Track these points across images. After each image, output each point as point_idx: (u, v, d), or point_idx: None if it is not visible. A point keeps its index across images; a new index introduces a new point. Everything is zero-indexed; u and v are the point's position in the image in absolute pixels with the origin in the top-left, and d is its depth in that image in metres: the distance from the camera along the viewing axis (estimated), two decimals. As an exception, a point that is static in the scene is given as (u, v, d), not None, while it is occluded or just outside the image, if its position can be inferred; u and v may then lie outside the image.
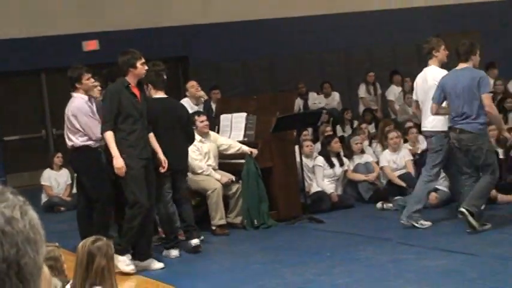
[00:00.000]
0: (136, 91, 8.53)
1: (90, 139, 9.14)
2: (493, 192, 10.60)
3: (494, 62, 16.14)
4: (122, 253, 8.41)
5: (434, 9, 18.92)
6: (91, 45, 16.73)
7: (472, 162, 9.18)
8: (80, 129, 9.14)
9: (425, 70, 9.78)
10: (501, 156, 11.45)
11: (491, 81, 15.44)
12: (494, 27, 19.28)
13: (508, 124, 13.38)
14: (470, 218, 8.83)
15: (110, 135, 8.40)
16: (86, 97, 9.31)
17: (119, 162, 8.32)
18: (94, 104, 9.33)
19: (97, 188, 9.11)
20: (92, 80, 9.38)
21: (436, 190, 10.95)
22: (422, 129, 9.93)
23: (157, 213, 9.22)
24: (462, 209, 8.90)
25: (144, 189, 8.44)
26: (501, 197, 10.73)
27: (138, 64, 8.49)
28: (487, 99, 9.05)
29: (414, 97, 10.04)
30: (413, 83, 10.34)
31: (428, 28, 18.70)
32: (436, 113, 9.29)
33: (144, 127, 8.57)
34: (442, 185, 11.07)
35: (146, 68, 8.63)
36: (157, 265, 8.69)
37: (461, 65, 9.26)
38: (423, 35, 18.63)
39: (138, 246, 8.62)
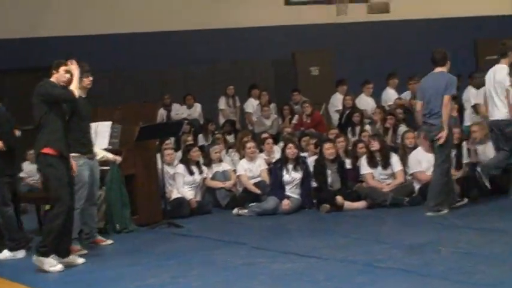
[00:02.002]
0: None
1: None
2: (340, 199, 10.87)
3: (344, 79, 16.51)
4: (46, 254, 8.25)
5: (289, 29, 19.18)
6: None
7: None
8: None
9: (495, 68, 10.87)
10: (348, 167, 11.73)
11: (341, 97, 15.83)
12: (345, 46, 19.70)
13: (355, 137, 13.70)
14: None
15: None
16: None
17: None
18: None
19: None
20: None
21: (288, 197, 11.12)
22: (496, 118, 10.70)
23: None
24: None
25: (67, 188, 8.32)
26: (348, 204, 10.97)
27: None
28: (446, 99, 10.00)
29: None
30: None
31: (284, 46, 19.02)
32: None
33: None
34: (295, 192, 11.25)
35: None
36: (79, 260, 8.57)
37: (437, 69, 10.25)
38: (279, 52, 19.03)
39: (61, 244, 8.38)
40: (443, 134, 9.99)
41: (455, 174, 11.16)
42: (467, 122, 12.99)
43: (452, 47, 20.35)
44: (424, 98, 10.27)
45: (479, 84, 12.52)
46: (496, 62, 10.89)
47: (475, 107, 13.03)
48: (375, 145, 11.40)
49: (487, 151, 11.44)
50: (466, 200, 10.62)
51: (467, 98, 13.90)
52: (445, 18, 20.76)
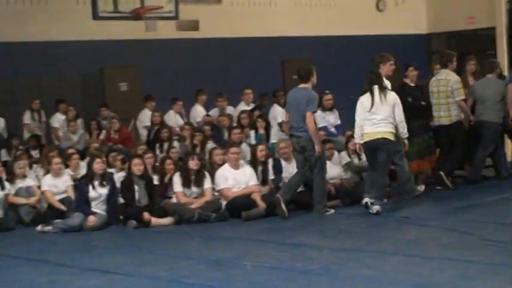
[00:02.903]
0: None
1: None
2: (147, 215, 10.84)
3: (151, 95, 16.51)
4: None
5: (97, 43, 18.96)
6: None
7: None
8: None
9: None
10: (156, 183, 11.72)
11: (149, 113, 15.81)
12: (155, 62, 19.70)
13: (163, 153, 13.69)
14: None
15: None
16: None
17: None
18: None
19: None
20: None
21: (94, 213, 10.98)
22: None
23: None
24: None
25: None
26: (155, 220, 10.95)
27: None
28: (309, 116, 10.83)
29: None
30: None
31: (92, 61, 18.77)
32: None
33: None
34: (101, 208, 11.11)
35: None
36: None
37: (301, 85, 11.13)
38: (87, 67, 18.77)
39: None
40: (317, 149, 10.89)
41: (262, 190, 11.43)
42: (273, 139, 13.31)
43: (261, 65, 21.05)
44: (289, 111, 11.12)
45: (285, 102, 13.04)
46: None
47: (281, 125, 13.39)
48: (193, 164, 11.43)
49: (292, 168, 11.77)
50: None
51: (274, 116, 14.25)
52: (253, 37, 21.20)
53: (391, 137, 10.84)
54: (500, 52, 23.41)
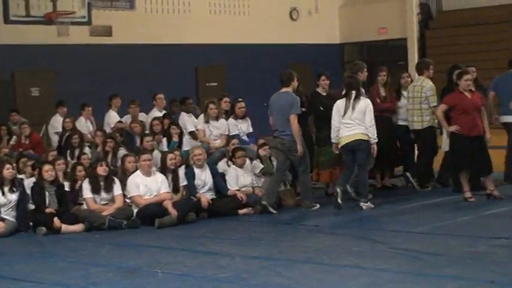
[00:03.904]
0: None
1: None
2: (57, 222, 10.72)
3: (63, 100, 16.33)
4: None
5: (9, 48, 18.66)
6: None
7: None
8: None
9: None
10: (67, 189, 11.58)
11: (60, 119, 15.62)
12: (67, 67, 19.49)
13: (74, 160, 13.53)
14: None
15: None
16: None
17: None
18: None
19: None
20: None
21: (3, 220, 10.79)
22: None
23: None
24: None
25: None
26: (65, 227, 10.83)
27: None
28: (293, 118, 11.50)
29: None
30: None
31: (3, 65, 18.49)
32: None
33: None
34: (10, 215, 10.93)
35: None
36: None
37: (283, 89, 11.76)
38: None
39: None
40: (300, 149, 11.57)
41: (173, 198, 11.41)
42: (186, 147, 13.31)
43: (175, 72, 21.05)
44: (272, 114, 11.78)
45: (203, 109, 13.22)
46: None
47: (192, 133, 13.42)
48: (101, 170, 11.34)
49: (204, 175, 11.79)
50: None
51: (183, 124, 14.22)
52: (167, 44, 21.19)
53: (366, 138, 11.53)
54: (411, 62, 23.93)
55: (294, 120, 11.58)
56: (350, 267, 8.11)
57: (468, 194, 11.75)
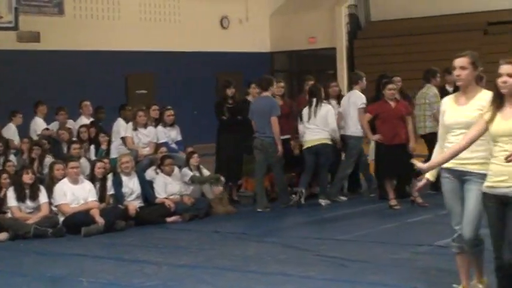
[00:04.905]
0: None
1: None
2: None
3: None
4: None
5: None
6: None
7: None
8: None
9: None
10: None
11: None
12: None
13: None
14: None
15: None
16: None
17: None
18: None
19: None
20: None
21: None
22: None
23: None
24: None
25: None
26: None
27: None
28: (274, 120, 12.29)
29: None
30: None
31: None
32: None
33: None
34: None
35: None
36: None
37: (263, 94, 12.59)
38: None
39: None
40: (280, 149, 12.33)
41: (101, 206, 11.32)
42: (113, 154, 13.21)
43: (105, 79, 20.90)
44: (253, 118, 12.48)
45: (130, 117, 13.15)
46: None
47: (124, 139, 13.33)
48: (27, 178, 11.19)
49: (132, 183, 11.74)
50: None
51: (117, 129, 14.12)
52: (96, 50, 21.04)
53: (328, 141, 12.49)
54: (340, 71, 24.21)
55: (274, 122, 12.30)
56: (276, 274, 8.17)
57: (393, 202, 11.95)
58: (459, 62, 6.46)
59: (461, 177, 6.46)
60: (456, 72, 6.49)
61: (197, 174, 12.62)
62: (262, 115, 12.39)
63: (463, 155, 6.24)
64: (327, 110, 12.47)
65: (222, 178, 12.74)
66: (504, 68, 5.77)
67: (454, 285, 6.86)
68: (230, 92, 13.29)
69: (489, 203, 5.88)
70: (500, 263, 5.83)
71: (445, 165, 6.44)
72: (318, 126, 12.43)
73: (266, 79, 12.89)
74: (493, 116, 5.82)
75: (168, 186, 12.06)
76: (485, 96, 6.36)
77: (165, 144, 13.12)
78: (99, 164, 11.77)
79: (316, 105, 12.49)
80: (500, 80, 5.78)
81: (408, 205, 12.09)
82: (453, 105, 6.55)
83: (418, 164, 6.18)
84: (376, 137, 12.08)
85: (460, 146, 6.10)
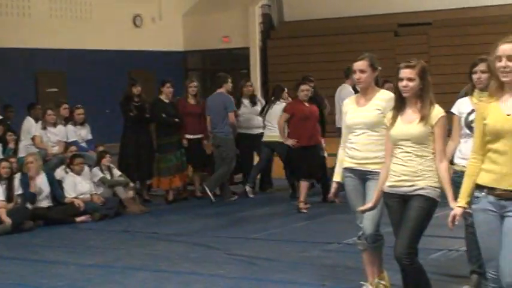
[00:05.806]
0: None
1: None
2: None
3: None
4: None
5: None
6: None
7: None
8: None
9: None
10: None
11: None
12: None
13: None
14: None
15: None
16: None
17: None
18: None
19: None
20: None
21: None
22: None
23: None
24: None
25: None
26: None
27: None
28: (231, 116, 12.88)
29: None
30: None
31: None
32: None
33: None
34: None
35: None
36: None
37: (218, 90, 13.05)
38: None
39: None
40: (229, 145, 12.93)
41: (8, 206, 11.16)
42: (21, 154, 13.02)
43: (14, 77, 20.54)
44: (209, 115, 12.91)
45: (40, 116, 13.03)
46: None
47: (34, 138, 13.16)
48: None
49: (40, 182, 11.62)
50: None
51: (27, 129, 13.88)
52: (5, 48, 20.67)
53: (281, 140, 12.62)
54: (253, 71, 24.33)
55: (231, 116, 12.91)
56: (186, 273, 8.21)
57: (302, 205, 11.92)
58: (358, 65, 6.63)
59: (362, 176, 6.63)
60: (356, 76, 6.65)
61: (108, 174, 12.54)
62: (218, 111, 12.86)
63: (363, 155, 6.52)
64: (281, 109, 12.60)
65: (131, 184, 12.70)
66: (405, 72, 5.89)
67: (362, 282, 7.00)
68: (136, 90, 13.24)
69: (390, 202, 6.04)
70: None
71: (347, 165, 6.68)
72: (271, 123, 12.99)
73: (221, 76, 13.33)
74: (394, 120, 5.97)
75: (78, 186, 11.98)
76: (382, 95, 6.59)
77: (75, 143, 13.01)
78: (3, 164, 11.56)
79: (274, 103, 13.16)
80: (401, 85, 5.91)
81: (319, 204, 12.27)
82: (354, 106, 6.72)
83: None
84: (290, 142, 12.04)
85: (386, 164, 6.11)
